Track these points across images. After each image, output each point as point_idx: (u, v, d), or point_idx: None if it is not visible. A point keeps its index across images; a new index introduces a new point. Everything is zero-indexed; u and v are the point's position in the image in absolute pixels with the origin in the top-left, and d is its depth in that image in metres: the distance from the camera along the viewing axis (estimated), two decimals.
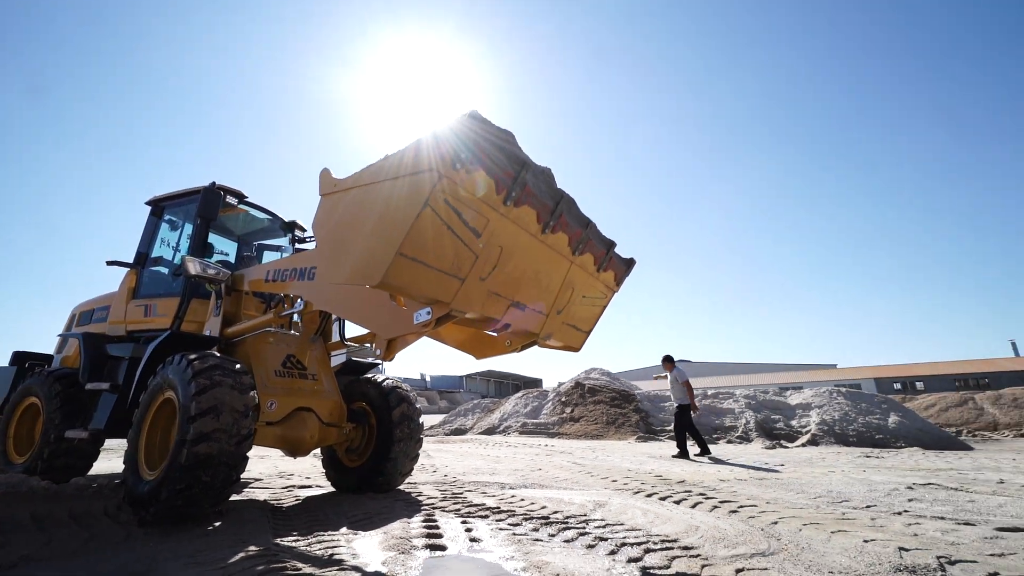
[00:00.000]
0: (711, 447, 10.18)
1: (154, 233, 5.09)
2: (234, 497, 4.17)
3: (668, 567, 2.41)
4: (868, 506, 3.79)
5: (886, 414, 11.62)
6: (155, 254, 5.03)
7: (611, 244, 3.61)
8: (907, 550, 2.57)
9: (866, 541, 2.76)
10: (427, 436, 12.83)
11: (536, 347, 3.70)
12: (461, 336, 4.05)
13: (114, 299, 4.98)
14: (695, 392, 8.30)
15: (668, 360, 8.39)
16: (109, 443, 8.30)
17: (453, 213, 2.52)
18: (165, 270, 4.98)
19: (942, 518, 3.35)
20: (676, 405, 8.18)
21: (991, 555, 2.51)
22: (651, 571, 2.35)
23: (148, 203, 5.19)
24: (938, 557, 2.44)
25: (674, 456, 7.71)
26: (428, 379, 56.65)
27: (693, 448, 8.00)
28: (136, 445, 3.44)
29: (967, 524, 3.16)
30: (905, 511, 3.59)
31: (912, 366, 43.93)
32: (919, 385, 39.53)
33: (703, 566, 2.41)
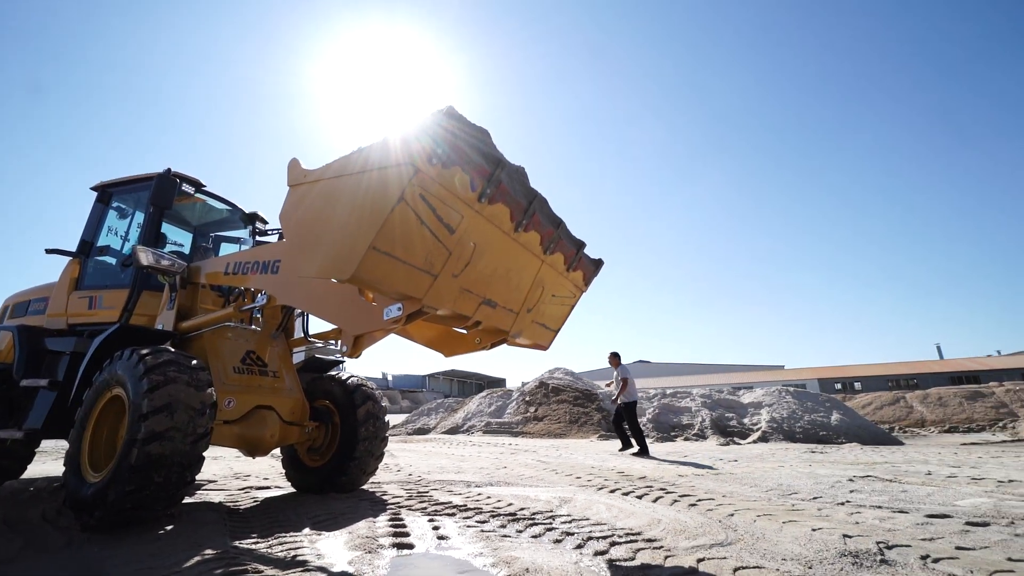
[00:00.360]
0: (668, 445, 10.52)
1: (100, 221, 4.77)
2: (186, 500, 3.97)
3: (633, 559, 2.49)
4: (815, 498, 4.03)
5: (829, 412, 12.37)
6: (101, 243, 4.73)
7: (581, 244, 3.67)
8: (850, 537, 2.76)
9: (814, 530, 2.94)
10: (390, 436, 12.63)
11: (503, 346, 3.72)
12: (430, 333, 4.01)
13: (54, 290, 4.63)
14: (636, 391, 8.44)
15: (615, 356, 8.54)
16: (42, 445, 7.71)
17: (428, 208, 2.50)
18: (112, 260, 4.69)
19: (879, 507, 3.60)
20: (621, 403, 8.31)
21: (923, 539, 2.73)
22: (617, 563, 2.42)
23: (94, 188, 4.86)
24: (877, 542, 2.64)
25: (634, 454, 7.92)
26: (390, 378, 55.66)
27: (644, 445, 8.21)
28: (79, 445, 3.22)
29: (901, 512, 3.42)
30: (847, 501, 3.84)
31: (851, 367, 46.93)
32: (857, 385, 42.23)
33: (666, 557, 2.50)
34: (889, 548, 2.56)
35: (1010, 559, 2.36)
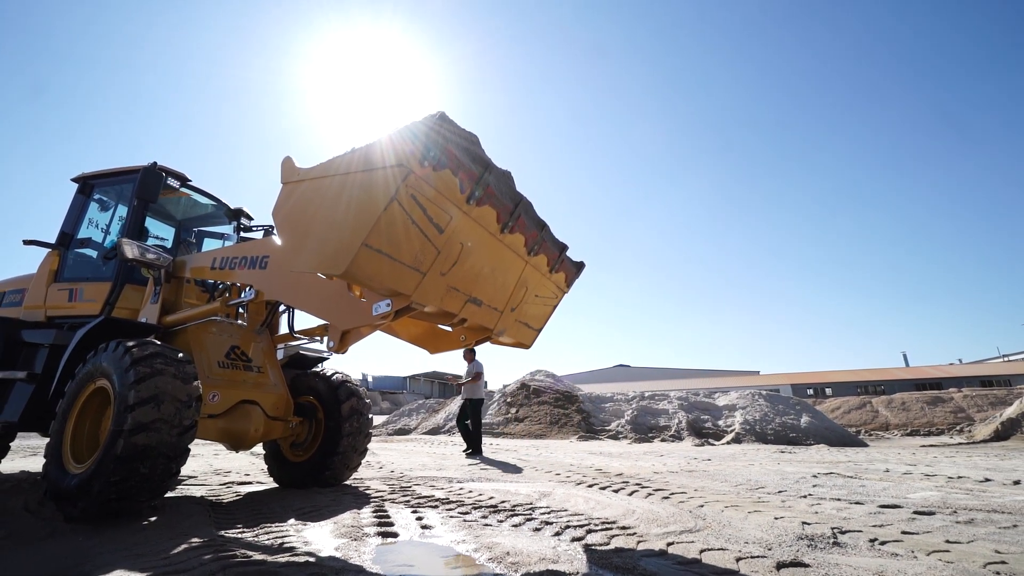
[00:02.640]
0: (645, 445, 10.75)
1: (81, 213, 4.74)
2: (167, 495, 3.97)
3: (608, 544, 2.63)
4: (780, 491, 4.25)
5: (799, 415, 12.81)
6: (82, 235, 4.69)
7: (564, 247, 3.82)
8: (808, 524, 2.96)
9: (776, 518, 3.14)
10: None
11: (486, 347, 3.85)
12: (415, 330, 4.11)
13: (31, 282, 4.58)
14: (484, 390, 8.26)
15: (470, 352, 8.29)
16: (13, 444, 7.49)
17: (418, 208, 2.61)
18: (93, 253, 4.66)
19: (838, 499, 3.84)
20: (466, 399, 8.08)
21: (873, 526, 2.95)
22: (593, 547, 2.56)
23: (75, 180, 4.82)
24: (832, 528, 2.84)
25: (466, 453, 7.78)
26: (370, 380, 55.02)
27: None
28: (61, 437, 3.22)
29: (857, 503, 3.66)
30: (809, 495, 4.07)
31: (822, 373, 48.41)
32: (828, 391, 43.55)
33: (639, 542, 2.65)
34: (842, 533, 2.76)
35: (948, 541, 2.59)
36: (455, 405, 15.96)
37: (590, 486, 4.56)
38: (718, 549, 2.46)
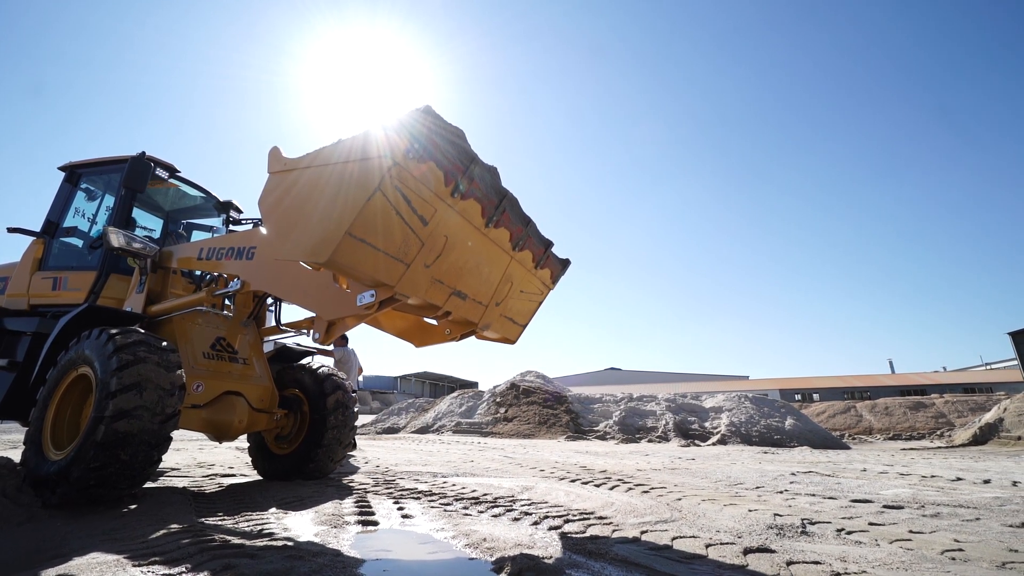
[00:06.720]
0: (631, 445, 10.81)
1: (67, 201, 4.72)
2: (149, 485, 3.97)
3: (584, 532, 2.68)
4: (757, 487, 4.34)
5: (784, 418, 12.98)
6: (68, 224, 4.67)
7: (549, 243, 3.88)
8: (780, 516, 3.04)
9: (750, 511, 3.21)
10: (358, 434, 12.52)
11: (479, 349, 3.89)
12: (401, 324, 4.14)
13: (15, 270, 4.55)
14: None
15: (342, 337, 7.38)
16: None
17: (402, 199, 2.65)
18: (79, 242, 4.64)
19: (813, 495, 3.93)
20: None
21: (843, 518, 3.03)
22: (569, 535, 2.61)
23: (62, 168, 4.80)
24: (803, 519, 2.92)
25: None
26: (360, 379, 54.72)
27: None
28: (41, 424, 3.21)
29: (831, 499, 3.75)
30: (786, 491, 4.16)
31: (810, 379, 48.95)
32: (815, 396, 44.06)
33: (614, 530, 2.70)
34: (812, 524, 2.84)
35: (911, 531, 2.67)
36: (444, 404, 15.95)
37: (572, 481, 4.61)
38: (690, 537, 2.52)
